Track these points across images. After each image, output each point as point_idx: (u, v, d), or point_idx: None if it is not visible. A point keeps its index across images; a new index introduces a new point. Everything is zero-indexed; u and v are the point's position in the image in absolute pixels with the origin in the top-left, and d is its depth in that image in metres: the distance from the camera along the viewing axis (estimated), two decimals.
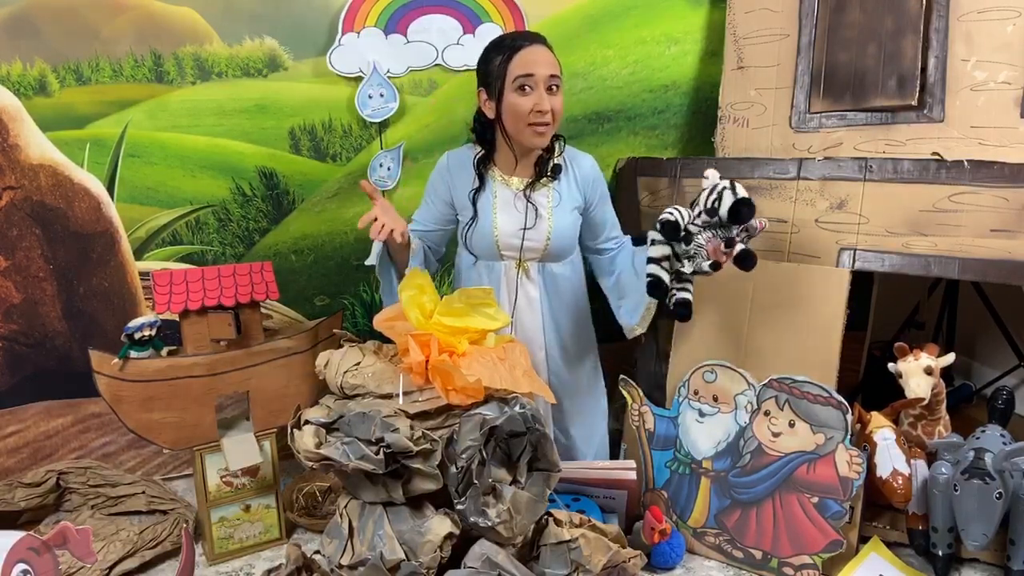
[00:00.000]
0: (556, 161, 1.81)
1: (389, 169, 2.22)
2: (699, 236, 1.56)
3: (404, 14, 2.15)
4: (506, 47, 1.70)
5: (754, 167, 1.93)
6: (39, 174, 2.04)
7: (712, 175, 1.58)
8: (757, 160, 1.95)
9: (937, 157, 1.75)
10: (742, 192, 1.53)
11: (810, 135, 2.02)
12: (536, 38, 1.73)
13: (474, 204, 1.80)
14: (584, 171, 1.85)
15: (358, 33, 2.12)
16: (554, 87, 1.71)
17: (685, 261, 1.59)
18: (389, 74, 2.15)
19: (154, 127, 2.11)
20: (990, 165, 1.65)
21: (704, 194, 1.57)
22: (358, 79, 2.14)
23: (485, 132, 1.80)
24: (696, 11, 2.31)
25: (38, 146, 2.03)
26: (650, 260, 1.62)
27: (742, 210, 1.51)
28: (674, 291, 1.62)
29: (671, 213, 1.58)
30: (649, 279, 1.61)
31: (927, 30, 1.84)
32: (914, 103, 1.85)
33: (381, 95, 2.15)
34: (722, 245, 1.54)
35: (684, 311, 1.60)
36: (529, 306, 1.85)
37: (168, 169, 2.14)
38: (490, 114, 1.75)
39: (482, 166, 1.81)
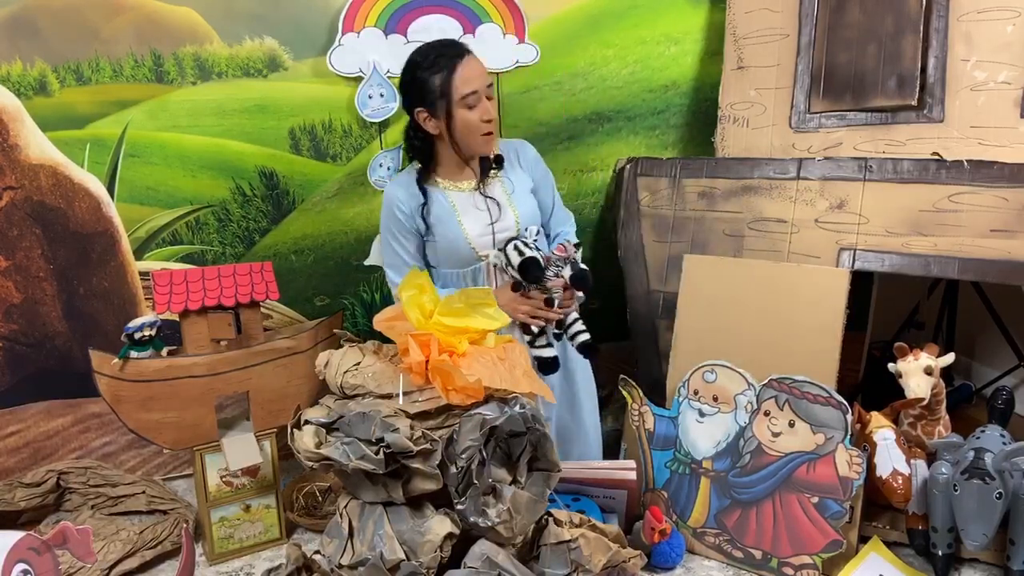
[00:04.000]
0: (496, 152, 1.86)
1: (389, 169, 2.22)
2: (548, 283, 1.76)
3: (404, 14, 2.15)
4: (442, 66, 1.71)
5: (754, 167, 1.93)
6: (39, 174, 2.04)
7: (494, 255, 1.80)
8: (757, 160, 1.95)
9: (937, 157, 1.75)
10: (515, 256, 1.73)
11: (810, 135, 2.02)
12: (463, 48, 1.75)
13: (425, 219, 1.80)
14: (526, 153, 1.93)
15: (358, 33, 2.12)
16: (490, 93, 1.77)
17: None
18: (389, 74, 2.15)
19: (154, 127, 2.11)
20: (990, 165, 1.65)
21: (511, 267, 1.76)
22: (358, 79, 2.14)
23: (424, 147, 1.82)
24: (696, 11, 2.31)
25: (38, 146, 2.03)
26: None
27: (530, 269, 1.71)
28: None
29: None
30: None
31: (927, 30, 1.84)
32: (914, 103, 1.85)
33: (381, 95, 2.15)
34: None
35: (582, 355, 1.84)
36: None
37: (168, 169, 2.13)
38: (435, 131, 1.77)
39: (423, 181, 1.83)
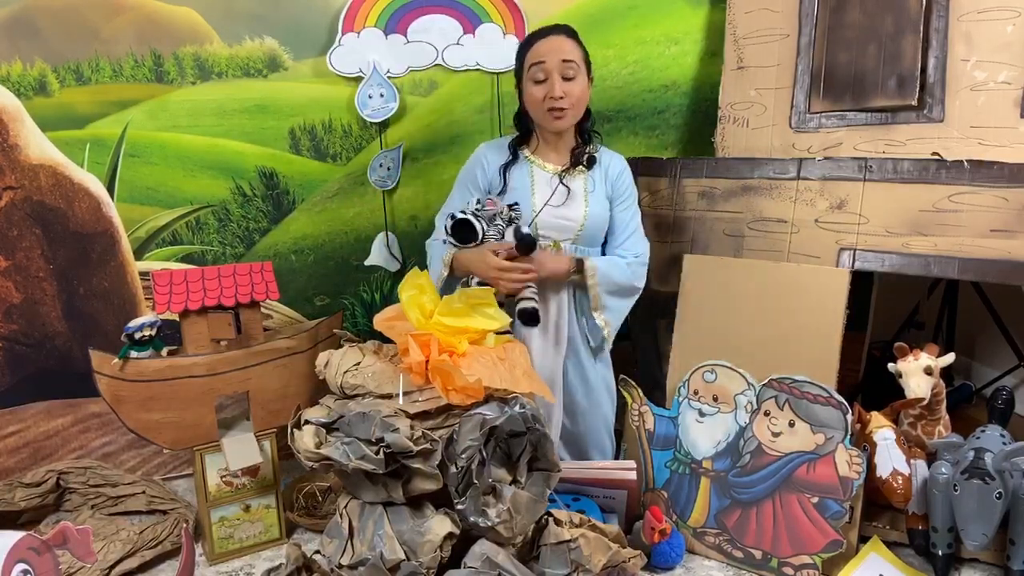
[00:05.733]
0: (592, 153, 1.89)
1: (389, 169, 2.22)
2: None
3: (404, 14, 2.15)
4: (528, 42, 1.83)
5: (754, 167, 1.93)
6: (39, 174, 2.04)
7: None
8: (757, 160, 1.95)
9: (937, 157, 1.75)
10: (448, 221, 1.74)
11: (810, 135, 2.02)
12: (555, 29, 1.82)
13: (504, 177, 1.85)
14: (614, 168, 1.93)
15: (358, 33, 2.12)
16: (570, 73, 1.77)
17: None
18: (389, 74, 2.15)
19: (154, 127, 2.11)
20: (990, 165, 1.65)
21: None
22: (358, 79, 2.14)
23: (523, 120, 1.91)
24: (696, 11, 2.31)
25: (38, 146, 2.03)
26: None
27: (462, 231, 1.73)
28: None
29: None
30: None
31: (927, 30, 1.84)
32: (914, 103, 1.85)
33: (381, 95, 2.15)
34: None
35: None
36: (557, 283, 1.85)
37: (168, 169, 2.14)
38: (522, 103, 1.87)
39: (516, 147, 1.90)
